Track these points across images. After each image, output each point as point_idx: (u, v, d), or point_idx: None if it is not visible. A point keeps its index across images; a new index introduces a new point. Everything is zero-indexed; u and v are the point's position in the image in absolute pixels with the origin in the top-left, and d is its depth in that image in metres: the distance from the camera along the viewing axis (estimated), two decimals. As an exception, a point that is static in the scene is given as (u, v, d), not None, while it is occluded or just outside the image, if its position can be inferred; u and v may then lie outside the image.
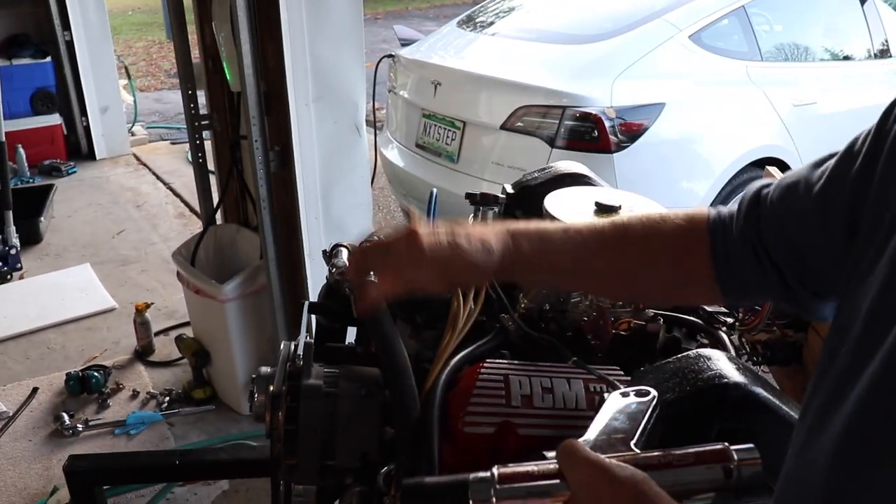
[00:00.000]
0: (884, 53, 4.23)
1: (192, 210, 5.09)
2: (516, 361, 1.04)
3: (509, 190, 1.56)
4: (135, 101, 7.02)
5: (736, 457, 0.67)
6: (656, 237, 0.89)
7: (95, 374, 3.12)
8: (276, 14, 2.29)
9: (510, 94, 3.47)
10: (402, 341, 1.06)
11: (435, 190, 1.31)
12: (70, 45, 5.80)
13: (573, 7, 4.37)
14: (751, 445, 0.68)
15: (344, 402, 1.02)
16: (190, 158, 6.01)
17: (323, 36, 2.39)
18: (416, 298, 1.17)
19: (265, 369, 1.15)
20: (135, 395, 3.14)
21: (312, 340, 1.07)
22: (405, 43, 4.55)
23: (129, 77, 7.03)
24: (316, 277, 2.60)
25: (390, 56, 4.36)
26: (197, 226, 4.85)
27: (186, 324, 3.48)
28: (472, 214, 1.49)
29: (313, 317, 1.35)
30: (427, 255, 0.88)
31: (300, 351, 1.08)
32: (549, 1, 4.56)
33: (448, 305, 1.15)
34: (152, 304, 3.49)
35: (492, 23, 4.32)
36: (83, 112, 6.04)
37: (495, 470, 0.66)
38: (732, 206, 0.87)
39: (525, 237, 0.90)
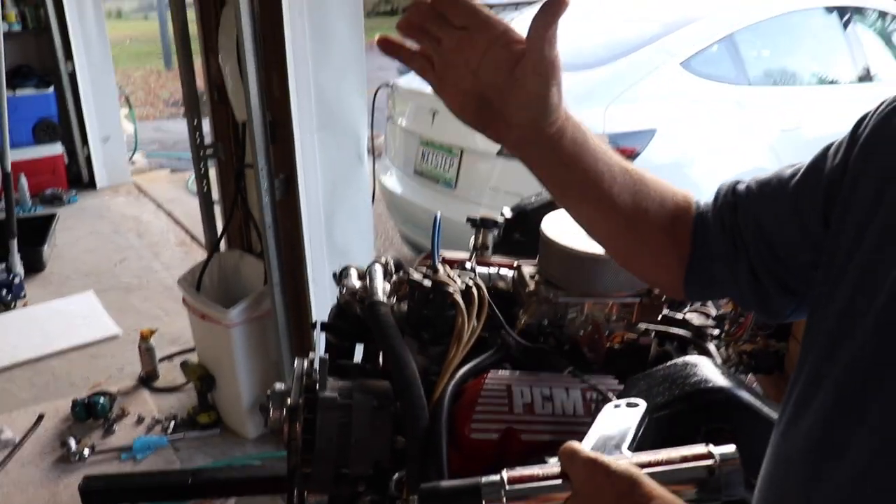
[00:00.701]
0: (866, 77, 4.34)
1: (193, 238, 5.16)
2: (518, 372, 1.11)
3: (508, 214, 1.64)
4: (135, 131, 7.12)
5: (717, 456, 0.74)
6: (662, 197, 0.92)
7: (101, 400, 3.17)
8: (282, 46, 2.38)
9: (506, 122, 3.55)
10: (411, 356, 1.13)
11: (439, 213, 1.39)
12: (73, 75, 5.91)
13: (567, 35, 4.45)
14: (732, 446, 0.75)
15: (358, 414, 1.09)
16: (190, 187, 6.16)
17: (327, 67, 2.48)
18: (422, 317, 1.25)
19: (279, 386, 1.22)
20: (140, 420, 3.19)
21: (327, 356, 1.15)
22: (403, 72, 4.65)
23: (129, 107, 7.13)
24: (320, 302, 2.67)
25: (388, 85, 4.45)
26: (198, 253, 4.93)
27: (190, 350, 3.54)
28: (473, 236, 1.57)
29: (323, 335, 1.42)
30: None
31: (315, 366, 1.15)
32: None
33: (452, 322, 1.22)
34: (157, 330, 3.55)
35: (488, 52, 4.41)
36: (85, 141, 6.14)
37: (504, 473, 0.73)
38: (709, 198, 0.92)
39: (578, 127, 0.87)
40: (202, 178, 3.13)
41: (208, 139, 3.14)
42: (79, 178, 6.27)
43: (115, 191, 6.24)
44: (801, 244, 0.80)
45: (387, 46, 0.84)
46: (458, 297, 1.21)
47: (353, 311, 1.32)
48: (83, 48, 5.85)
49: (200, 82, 3.20)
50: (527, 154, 0.88)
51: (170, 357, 3.63)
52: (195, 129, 3.05)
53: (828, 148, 0.81)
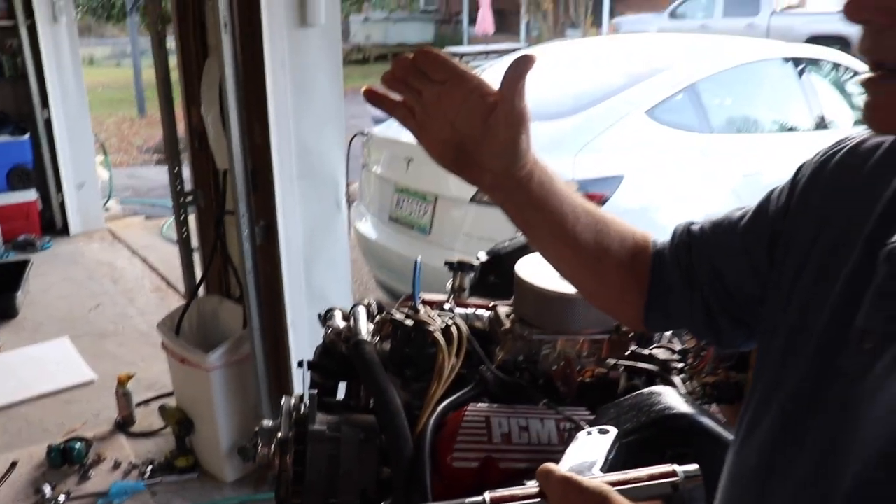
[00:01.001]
0: (822, 125, 4.53)
1: (168, 284, 5.19)
2: (496, 405, 1.19)
3: (483, 258, 1.73)
4: (110, 177, 7.15)
5: (681, 474, 0.82)
6: (622, 236, 1.00)
7: (77, 445, 3.18)
8: (264, 97, 2.47)
9: (479, 169, 3.66)
10: (395, 392, 1.20)
11: (419, 258, 1.47)
12: (49, 122, 5.95)
13: (536, 86, 4.62)
14: (695, 465, 0.83)
15: (346, 446, 1.16)
16: (165, 233, 6.20)
17: (307, 117, 2.57)
18: (404, 354, 1.33)
19: (267, 422, 1.28)
20: (116, 465, 3.18)
21: (315, 392, 1.21)
22: (378, 121, 4.77)
23: (104, 153, 7.18)
24: (299, 345, 2.72)
25: (363, 133, 4.56)
26: (174, 299, 4.95)
27: (167, 395, 3.55)
28: (450, 279, 1.65)
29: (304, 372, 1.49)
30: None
31: (304, 402, 1.21)
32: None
33: (433, 359, 1.29)
34: (134, 374, 3.57)
35: (459, 101, 4.55)
36: (59, 188, 6.16)
37: (487, 495, 0.80)
38: (666, 238, 1.01)
39: (546, 171, 0.94)
40: (182, 224, 3.19)
41: (188, 186, 3.21)
42: (52, 224, 6.27)
43: (90, 237, 6.25)
44: (750, 280, 0.89)
45: (372, 97, 0.92)
46: (439, 336, 1.29)
47: (339, 350, 1.39)
48: (60, 96, 5.91)
49: (180, 129, 3.27)
50: (499, 195, 0.95)
51: (146, 402, 3.64)
52: (176, 176, 3.11)
53: (771, 192, 0.91)
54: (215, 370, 2.80)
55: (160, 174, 9.09)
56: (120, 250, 5.97)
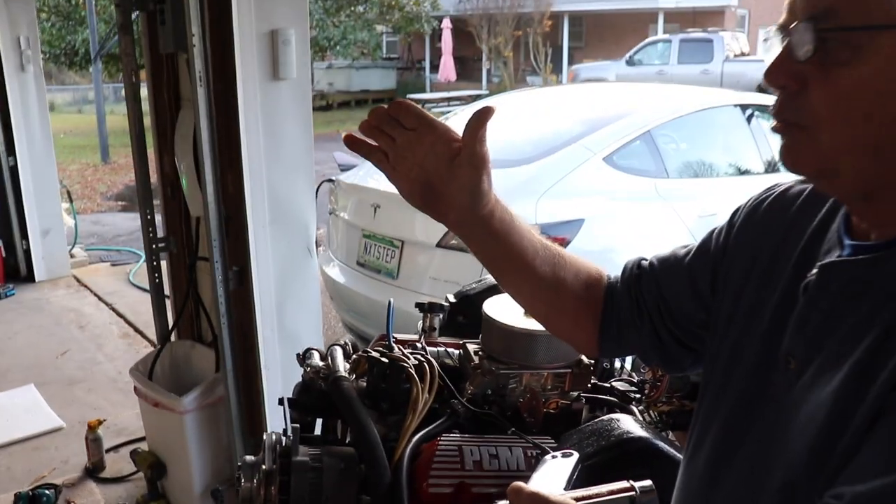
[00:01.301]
0: (773, 168, 4.74)
1: (136, 330, 5.19)
2: (467, 435, 1.28)
3: (452, 299, 1.83)
4: (75, 224, 7.14)
5: (637, 489, 0.92)
6: (577, 269, 1.11)
7: (46, 492, 3.17)
8: (238, 147, 2.56)
9: (444, 214, 3.77)
10: (373, 424, 1.28)
11: (392, 300, 1.56)
12: (14, 169, 5.96)
13: (497, 134, 4.79)
14: (649, 481, 0.93)
15: (328, 475, 1.23)
16: (132, 279, 6.20)
17: (278, 166, 2.67)
18: (380, 389, 1.41)
19: (250, 458, 1.36)
20: (86, 511, 3.19)
21: (298, 426, 1.29)
22: (344, 168, 4.88)
23: (70, 200, 7.18)
24: (272, 387, 2.78)
25: (331, 180, 4.67)
26: (142, 345, 4.96)
27: (137, 440, 3.57)
28: (421, 319, 1.75)
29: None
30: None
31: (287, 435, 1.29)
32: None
33: (408, 394, 1.38)
34: (105, 420, 3.58)
35: (424, 149, 4.69)
36: (24, 235, 6.14)
37: None
38: (618, 272, 1.13)
39: (506, 210, 1.05)
40: (154, 269, 3.24)
41: (160, 232, 3.27)
42: (16, 271, 6.24)
43: (55, 284, 6.23)
44: (695, 308, 1.01)
45: (351, 142, 1.04)
46: (413, 372, 1.38)
47: (317, 387, 1.47)
48: (26, 143, 5.93)
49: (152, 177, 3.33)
50: (464, 231, 1.06)
51: (116, 447, 3.64)
52: (148, 223, 3.18)
53: (712, 232, 1.04)
54: (189, 413, 2.84)
55: (125, 221, 9.10)
56: (86, 297, 5.96)
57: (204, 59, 2.46)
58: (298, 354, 1.59)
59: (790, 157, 0.80)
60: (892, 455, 0.65)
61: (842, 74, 0.72)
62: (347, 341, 1.59)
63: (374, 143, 1.03)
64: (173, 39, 2.65)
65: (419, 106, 1.03)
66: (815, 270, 0.81)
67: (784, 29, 0.78)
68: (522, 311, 1.51)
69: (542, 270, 1.07)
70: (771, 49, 0.81)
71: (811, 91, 0.75)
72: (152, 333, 4.90)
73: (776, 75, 0.77)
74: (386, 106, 1.01)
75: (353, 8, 22.32)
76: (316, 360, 1.53)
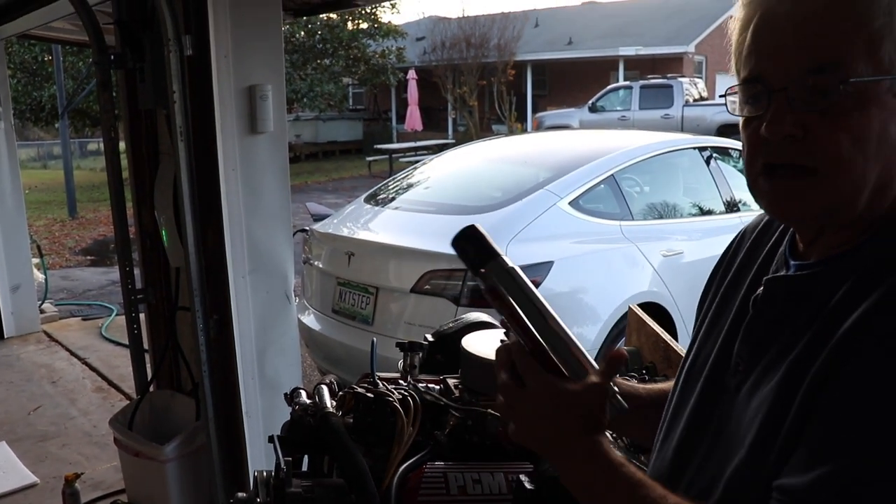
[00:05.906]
0: (734, 207, 4.92)
1: (111, 384, 5.18)
2: (451, 463, 1.36)
3: (430, 338, 1.91)
4: (46, 279, 7.13)
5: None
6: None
7: (24, 548, 3.16)
8: (218, 199, 2.65)
9: (417, 261, 3.87)
10: (361, 455, 1.36)
11: (375, 339, 1.65)
12: (-16, 226, 5.98)
13: (465, 182, 4.97)
14: None
15: (320, 504, 1.30)
16: (105, 332, 6.19)
17: (257, 216, 2.76)
18: (367, 423, 1.49)
19: (241, 494, 1.42)
20: (65, 566, 3.18)
21: (290, 460, 1.36)
22: (318, 218, 4.97)
23: (40, 255, 7.17)
24: (253, 433, 2.82)
25: (305, 230, 4.76)
26: (117, 398, 4.94)
27: (115, 493, 3.56)
28: (402, 358, 1.83)
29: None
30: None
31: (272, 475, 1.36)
32: (442, 177, 5.15)
33: (393, 427, 1.46)
34: (83, 474, 3.57)
35: (393, 198, 4.82)
36: (-7, 291, 6.14)
37: None
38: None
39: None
40: (133, 321, 3.28)
41: (138, 284, 3.32)
42: (-15, 327, 6.21)
43: (25, 340, 6.20)
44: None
45: None
46: (398, 405, 1.46)
47: (306, 424, 1.54)
48: (-4, 199, 5.97)
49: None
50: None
51: (94, 502, 3.63)
52: (126, 276, 3.23)
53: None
54: (170, 462, 2.87)
55: (94, 275, 9.07)
56: (58, 352, 5.93)
57: (185, 115, 2.55)
58: (286, 394, 1.66)
59: (793, 200, 0.85)
60: (822, 449, 0.75)
61: (852, 118, 0.80)
62: (333, 380, 1.67)
63: None
64: (153, 96, 2.74)
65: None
66: (762, 287, 0.93)
67: (763, 80, 0.84)
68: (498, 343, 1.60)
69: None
70: (737, 97, 0.86)
71: (818, 136, 0.81)
72: (127, 387, 4.91)
73: (781, 126, 0.82)
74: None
75: (319, 61, 22.64)
76: (304, 398, 1.61)
